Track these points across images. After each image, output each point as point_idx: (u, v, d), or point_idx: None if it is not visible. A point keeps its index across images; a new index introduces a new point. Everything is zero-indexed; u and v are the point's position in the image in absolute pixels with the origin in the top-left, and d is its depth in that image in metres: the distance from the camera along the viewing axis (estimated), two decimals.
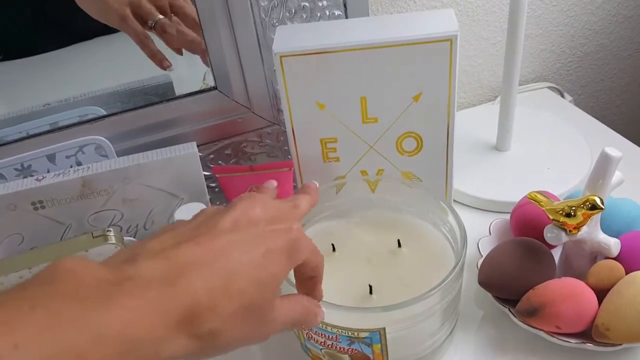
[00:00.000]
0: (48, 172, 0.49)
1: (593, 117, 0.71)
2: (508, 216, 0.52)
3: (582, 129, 0.67)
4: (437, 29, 0.45)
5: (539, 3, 0.72)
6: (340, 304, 0.40)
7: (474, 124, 0.70)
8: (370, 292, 0.43)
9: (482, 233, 0.52)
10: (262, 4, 0.50)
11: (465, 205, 0.60)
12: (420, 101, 0.48)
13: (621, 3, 0.77)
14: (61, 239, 0.48)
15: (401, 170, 0.52)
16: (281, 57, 0.44)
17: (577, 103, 0.82)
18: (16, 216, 0.46)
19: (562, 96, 0.78)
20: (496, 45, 0.72)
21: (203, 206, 0.45)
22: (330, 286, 0.45)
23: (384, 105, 0.48)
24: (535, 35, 0.75)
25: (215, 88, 0.53)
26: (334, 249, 0.48)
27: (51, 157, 0.49)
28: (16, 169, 0.48)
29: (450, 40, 0.45)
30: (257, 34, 0.51)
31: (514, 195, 0.52)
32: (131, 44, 0.52)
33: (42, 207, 0.46)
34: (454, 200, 0.61)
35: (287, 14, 0.51)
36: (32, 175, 0.47)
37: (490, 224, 0.53)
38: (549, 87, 0.78)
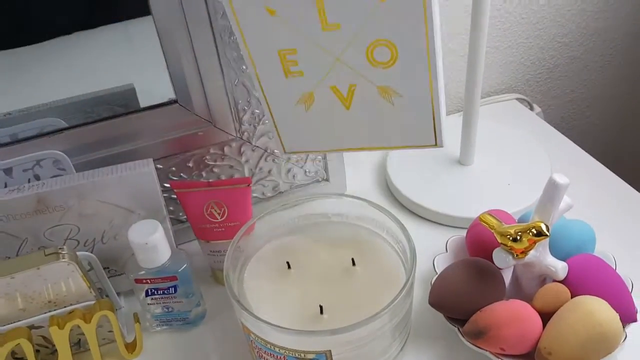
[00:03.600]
0: (5, 185, 0.49)
1: (562, 128, 0.72)
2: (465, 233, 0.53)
3: (547, 143, 0.67)
4: None
5: (508, 16, 0.72)
6: (289, 324, 0.40)
7: None
8: (321, 312, 0.44)
9: (440, 249, 0.53)
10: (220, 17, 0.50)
11: (426, 219, 0.60)
12: (388, 0, 0.39)
13: (591, 16, 0.77)
14: (17, 254, 0.48)
15: (376, 85, 0.45)
16: None
17: (547, 114, 0.82)
18: None
19: (531, 108, 0.79)
20: (464, 57, 0.73)
21: (157, 223, 0.45)
22: (282, 305, 0.45)
23: (345, 7, 0.40)
24: (504, 47, 0.75)
25: (175, 101, 0.53)
26: (289, 267, 0.48)
27: (8, 171, 0.48)
28: None
29: None
30: (216, 46, 0.51)
31: (473, 211, 0.52)
32: (92, 48, 0.52)
33: None
34: (414, 214, 0.61)
35: None
36: None
37: (447, 240, 0.53)
38: (518, 99, 0.79)
